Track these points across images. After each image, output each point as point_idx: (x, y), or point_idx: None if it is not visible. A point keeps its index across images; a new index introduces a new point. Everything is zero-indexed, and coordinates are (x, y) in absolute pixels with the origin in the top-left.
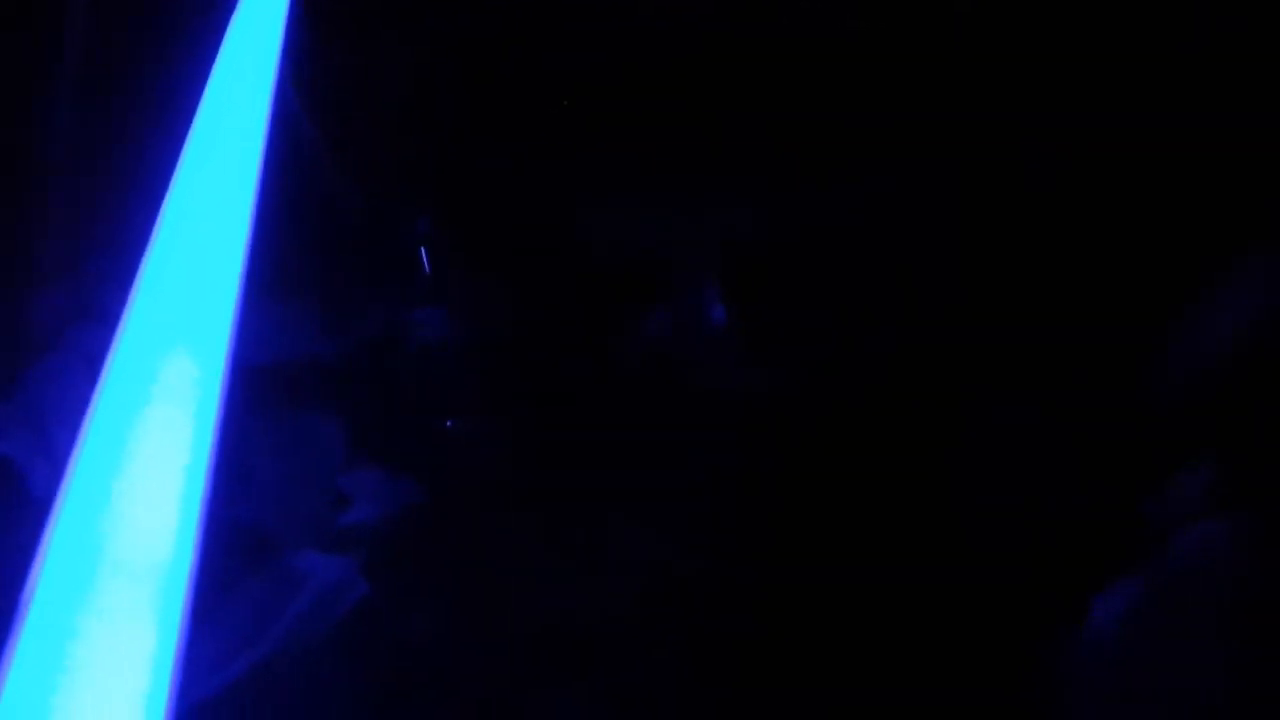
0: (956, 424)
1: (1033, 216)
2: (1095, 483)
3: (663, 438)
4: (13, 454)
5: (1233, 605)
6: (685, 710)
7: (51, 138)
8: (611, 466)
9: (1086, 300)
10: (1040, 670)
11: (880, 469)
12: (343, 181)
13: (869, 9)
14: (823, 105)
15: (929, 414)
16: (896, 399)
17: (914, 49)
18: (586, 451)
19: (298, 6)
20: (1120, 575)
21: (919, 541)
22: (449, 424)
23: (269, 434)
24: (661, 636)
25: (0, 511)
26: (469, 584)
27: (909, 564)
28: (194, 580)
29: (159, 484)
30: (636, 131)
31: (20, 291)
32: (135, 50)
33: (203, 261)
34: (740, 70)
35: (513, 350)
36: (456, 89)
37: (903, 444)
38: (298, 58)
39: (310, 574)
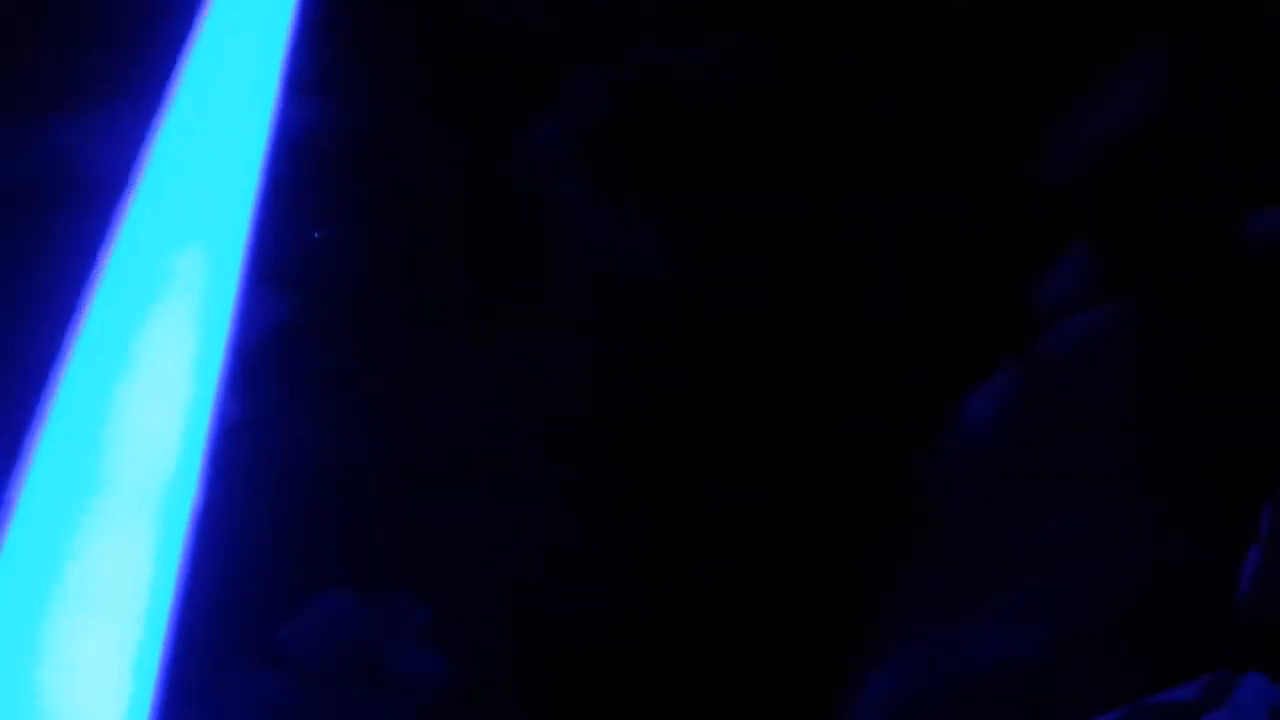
0: (841, 219)
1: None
2: (974, 274)
3: (531, 248)
4: None
5: (1109, 390)
6: (558, 505)
7: None
8: (485, 276)
9: (965, 93)
10: (919, 462)
11: (770, 280)
12: None
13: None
14: None
15: (814, 217)
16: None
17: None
18: (458, 262)
19: None
20: (996, 367)
21: (790, 334)
22: (316, 234)
23: None
24: (542, 443)
25: None
26: (345, 396)
27: (780, 362)
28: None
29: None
30: None
31: None
32: None
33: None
34: None
35: (385, 154)
36: None
37: (783, 239)
38: None
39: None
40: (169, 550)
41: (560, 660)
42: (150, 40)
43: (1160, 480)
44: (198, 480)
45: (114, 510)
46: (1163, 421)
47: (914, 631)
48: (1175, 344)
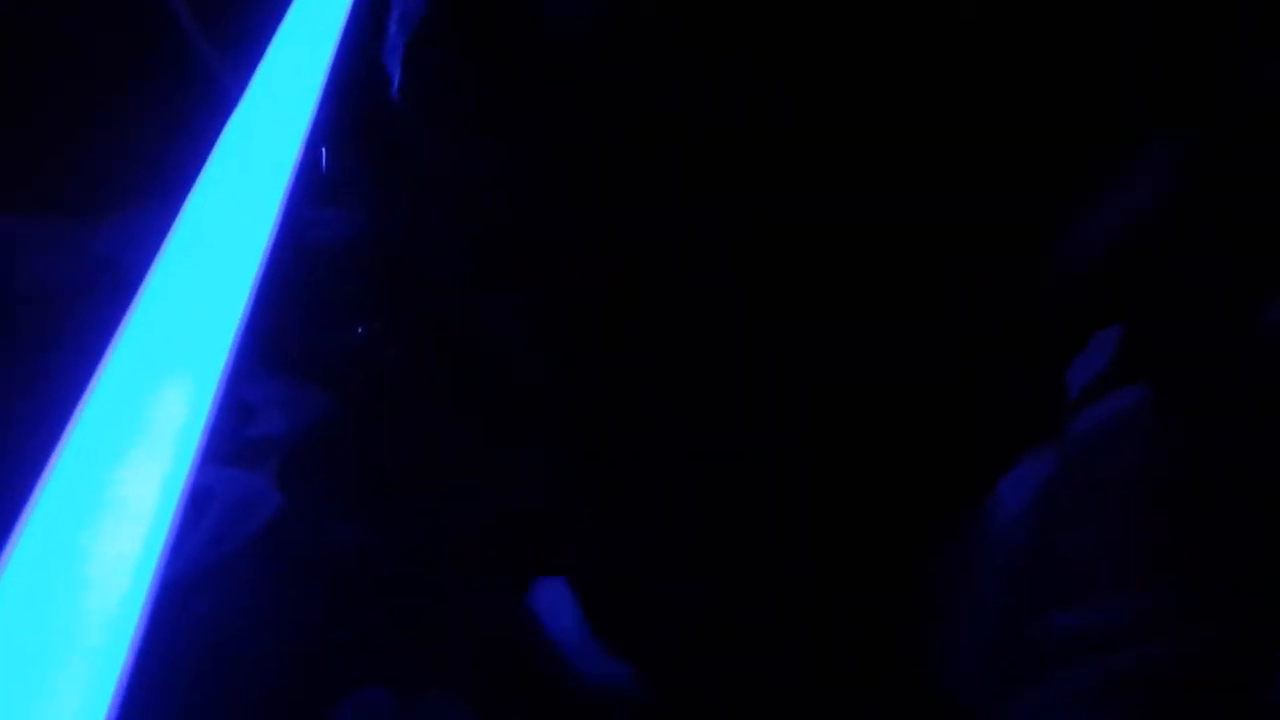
0: (863, 302)
1: (943, 83)
2: (999, 362)
3: (578, 341)
4: None
5: (1138, 477)
6: (607, 605)
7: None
8: (532, 366)
9: (988, 177)
10: (948, 555)
11: (792, 343)
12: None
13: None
14: None
15: (839, 293)
16: (809, 279)
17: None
18: (507, 353)
19: None
20: (1027, 456)
21: (821, 425)
22: (358, 330)
23: None
24: (579, 534)
25: None
26: (384, 491)
27: (810, 453)
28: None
29: None
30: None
31: None
32: None
33: None
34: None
35: (418, 251)
36: None
37: (798, 325)
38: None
39: (216, 491)
40: (200, 643)
41: None
42: (199, 141)
43: (1193, 570)
44: (231, 575)
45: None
46: (1195, 509)
47: None
48: (1207, 430)
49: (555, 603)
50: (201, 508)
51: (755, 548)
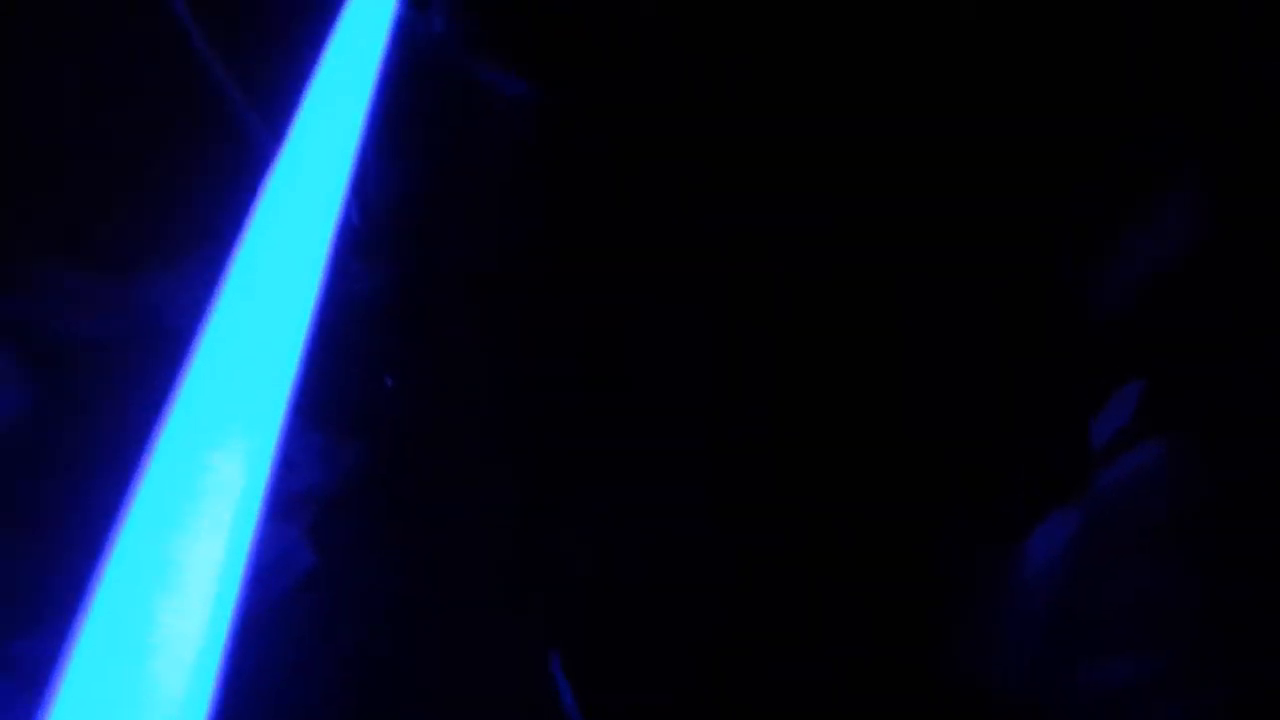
0: (887, 370)
1: (965, 135)
2: (1027, 412)
3: (613, 394)
4: None
5: (1162, 531)
6: (649, 659)
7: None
8: (563, 418)
9: (1013, 226)
10: (979, 606)
11: (802, 396)
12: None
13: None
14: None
15: (853, 339)
16: (818, 324)
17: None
18: (537, 405)
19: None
20: (1056, 507)
21: (844, 477)
22: (389, 382)
23: None
24: (624, 590)
25: None
26: (422, 545)
27: (839, 494)
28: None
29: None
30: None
31: None
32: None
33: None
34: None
35: (451, 303)
36: None
37: (824, 364)
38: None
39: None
40: (242, 695)
41: None
42: (238, 196)
43: (1221, 624)
44: (270, 626)
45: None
46: (1220, 562)
47: None
48: (1230, 482)
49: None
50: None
51: (785, 613)
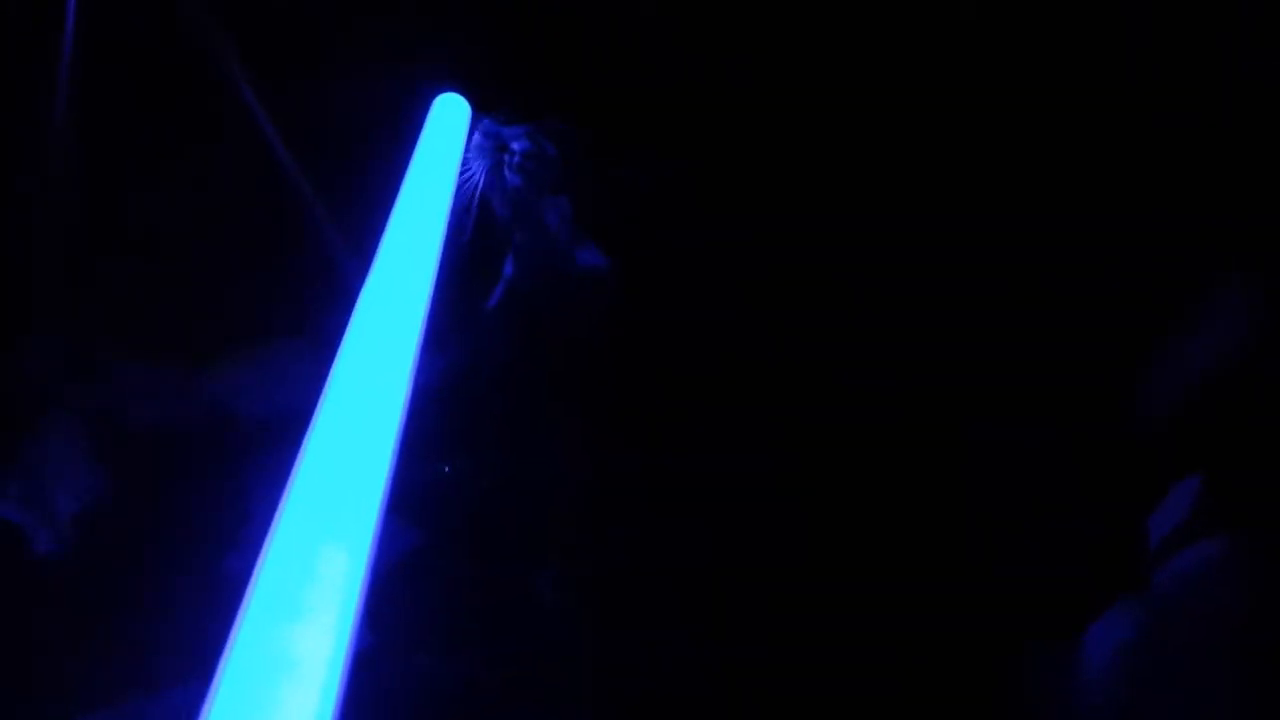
0: (947, 451)
1: (1021, 237)
2: (1084, 507)
3: (660, 479)
4: (12, 517)
5: (1223, 629)
6: None
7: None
8: (615, 501)
9: (1072, 325)
10: (1036, 701)
11: (872, 490)
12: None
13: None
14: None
15: (921, 438)
16: (889, 423)
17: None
18: (591, 489)
19: None
20: (1112, 602)
21: (908, 568)
22: (446, 469)
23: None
24: (660, 678)
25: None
26: (474, 627)
27: (897, 590)
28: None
29: None
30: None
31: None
32: None
33: None
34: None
35: (506, 391)
36: None
37: (893, 466)
38: None
39: None
40: None
41: None
42: (311, 288)
43: None
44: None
45: None
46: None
47: None
48: None
49: None
50: None
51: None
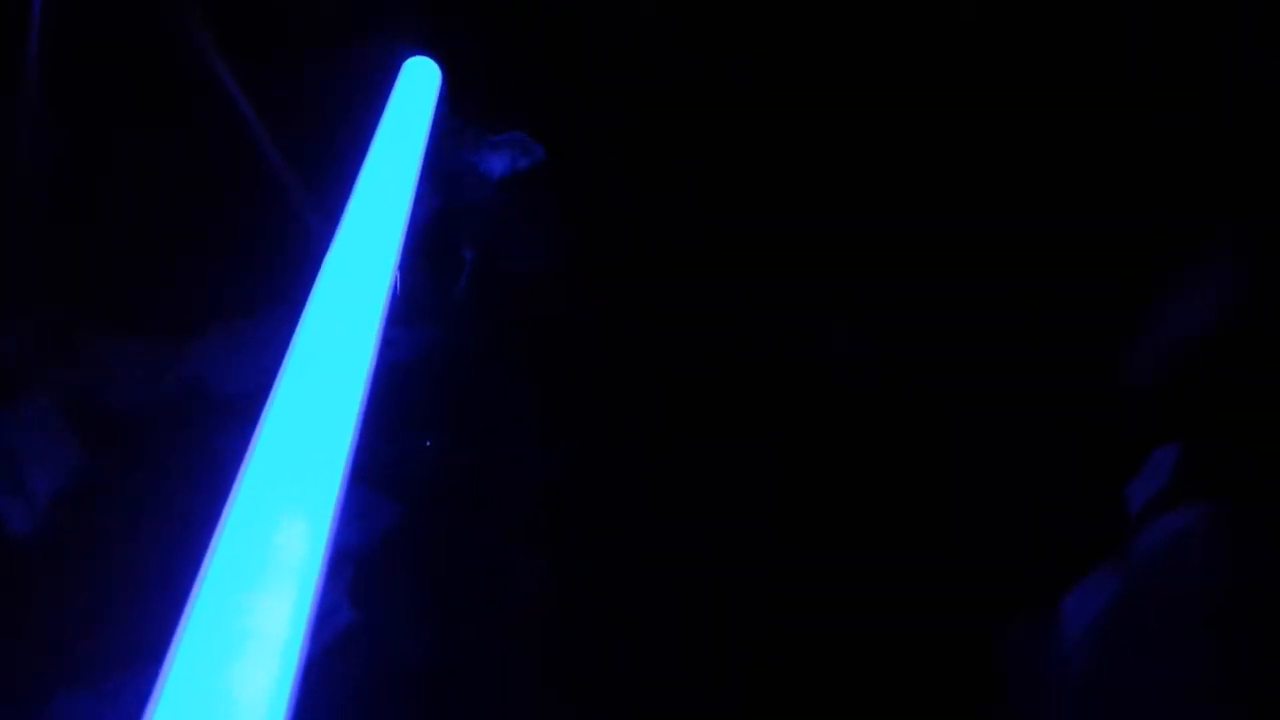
0: (926, 422)
1: (1005, 208)
2: (1064, 477)
3: (642, 454)
4: None
5: (1201, 597)
6: (677, 711)
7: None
8: (593, 476)
9: (1052, 295)
10: (1015, 668)
11: (853, 464)
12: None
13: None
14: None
15: (903, 410)
16: (869, 394)
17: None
18: (571, 463)
19: None
20: (1091, 571)
21: (886, 540)
22: (428, 444)
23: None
24: (645, 646)
25: None
26: (456, 602)
27: (876, 563)
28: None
29: None
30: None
31: None
32: None
33: None
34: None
35: (488, 368)
36: None
37: (874, 440)
38: None
39: None
40: None
41: None
42: (279, 264)
43: (1251, 705)
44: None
45: None
46: (1256, 639)
47: None
48: (1268, 552)
49: None
50: None
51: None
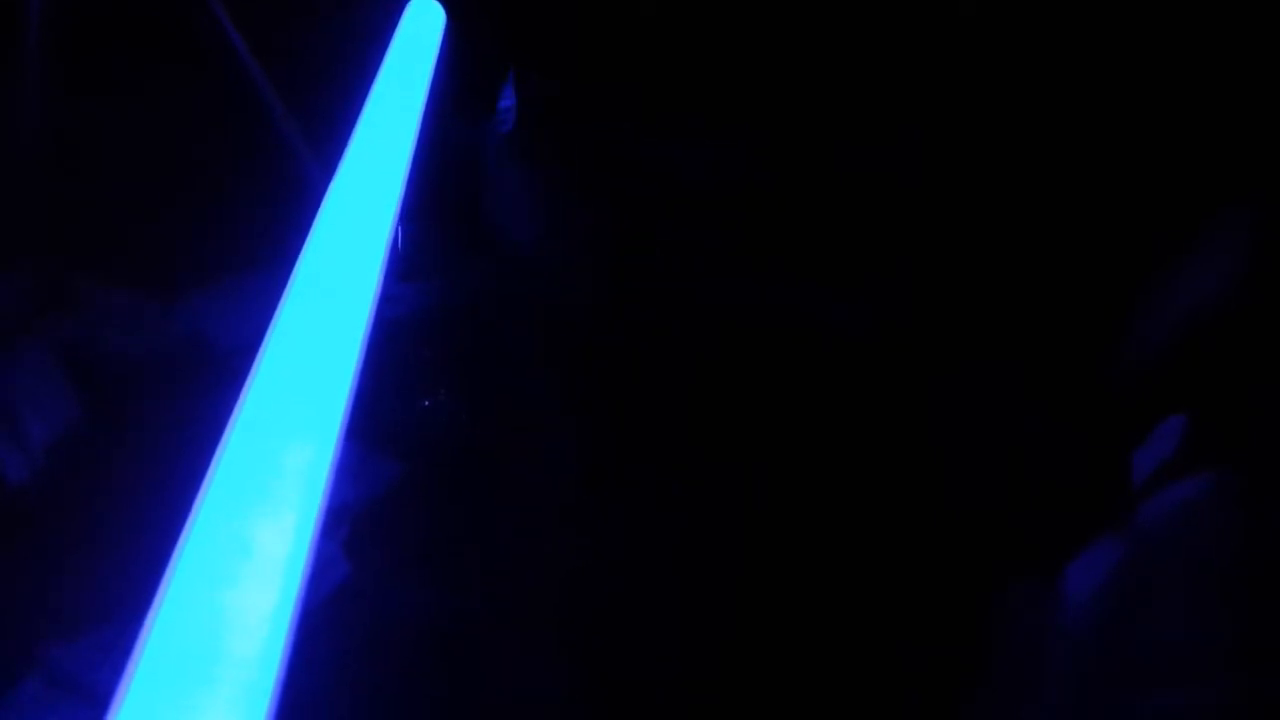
0: (932, 392)
1: (1009, 185)
2: (1069, 446)
3: (637, 413)
4: None
5: (1206, 567)
6: (664, 673)
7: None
8: (588, 436)
9: (1058, 266)
10: (1019, 636)
11: (857, 433)
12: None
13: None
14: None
15: (906, 380)
16: (874, 365)
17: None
18: (567, 424)
19: None
20: (1095, 540)
21: (890, 505)
22: (426, 402)
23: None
24: (642, 603)
25: None
26: (451, 559)
27: (879, 527)
28: None
29: None
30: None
31: None
32: None
33: None
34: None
35: (486, 325)
36: None
37: (878, 410)
38: None
39: None
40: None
41: None
42: (278, 216)
43: (1253, 665)
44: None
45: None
46: (1258, 603)
47: None
48: (1271, 521)
49: None
50: None
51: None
